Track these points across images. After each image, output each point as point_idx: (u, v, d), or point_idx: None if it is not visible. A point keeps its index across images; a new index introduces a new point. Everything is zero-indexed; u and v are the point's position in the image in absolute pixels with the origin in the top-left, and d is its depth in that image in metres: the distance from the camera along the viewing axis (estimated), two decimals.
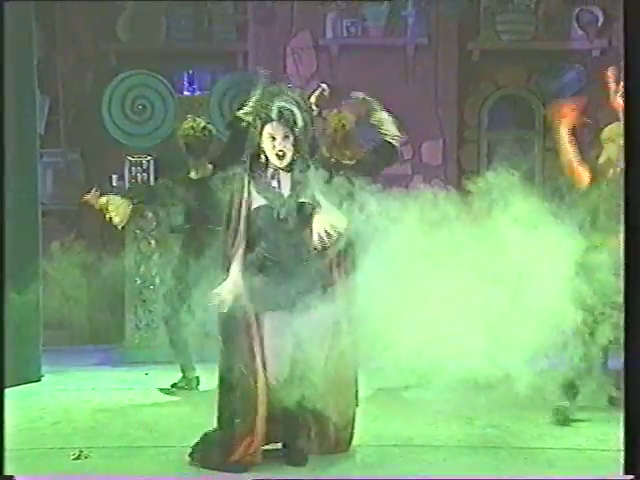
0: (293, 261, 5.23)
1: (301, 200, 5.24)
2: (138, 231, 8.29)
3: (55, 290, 8.29)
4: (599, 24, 9.08)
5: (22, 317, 7.43)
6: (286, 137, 5.23)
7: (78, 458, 5.57)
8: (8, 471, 5.32)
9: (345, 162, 6.46)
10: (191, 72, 9.31)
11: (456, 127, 9.06)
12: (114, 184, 8.63)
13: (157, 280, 8.24)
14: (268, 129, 5.24)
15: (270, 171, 5.29)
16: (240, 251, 5.24)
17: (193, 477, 5.04)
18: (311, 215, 5.22)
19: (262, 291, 5.20)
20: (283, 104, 5.25)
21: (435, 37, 9.02)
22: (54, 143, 9.07)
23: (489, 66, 9.11)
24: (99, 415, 6.44)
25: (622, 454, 4.47)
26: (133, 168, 8.25)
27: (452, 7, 8.99)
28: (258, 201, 5.26)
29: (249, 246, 5.24)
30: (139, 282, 8.33)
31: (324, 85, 6.57)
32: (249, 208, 5.27)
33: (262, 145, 5.23)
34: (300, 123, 5.26)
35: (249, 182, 5.27)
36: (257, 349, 5.18)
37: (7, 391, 6.97)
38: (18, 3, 7.38)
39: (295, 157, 5.25)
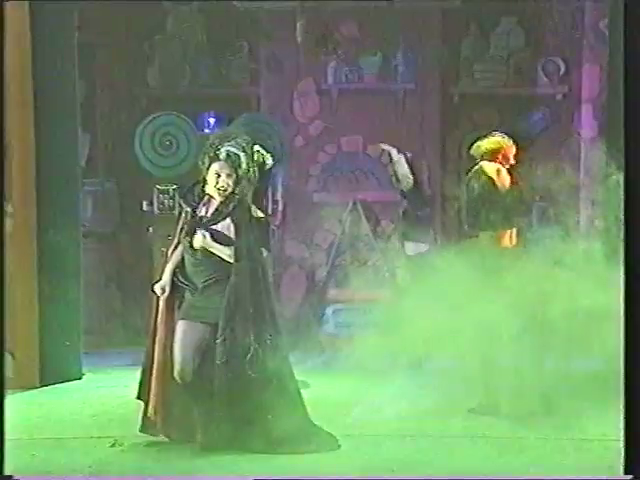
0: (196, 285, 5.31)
1: (215, 228, 5.25)
2: (165, 249, 8.16)
3: (94, 301, 8.25)
4: (561, 72, 9.11)
5: (65, 324, 7.44)
6: (229, 175, 5.24)
7: (113, 446, 5.60)
8: (58, 454, 5.38)
9: None
10: (211, 113, 9.22)
11: (439, 160, 9.06)
12: (144, 209, 8.62)
13: None
14: (215, 167, 5.24)
15: (204, 200, 5.35)
16: (170, 266, 5.44)
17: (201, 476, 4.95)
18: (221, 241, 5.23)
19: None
20: (230, 148, 5.27)
21: (421, 83, 9.03)
22: (93, 174, 9.07)
23: (467, 108, 9.12)
24: (131, 409, 6.25)
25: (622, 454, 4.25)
26: (160, 195, 8.30)
27: (436, 57, 8.93)
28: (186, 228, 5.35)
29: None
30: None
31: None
32: (182, 231, 5.38)
33: (206, 179, 5.26)
34: (244, 166, 5.27)
35: (186, 209, 5.39)
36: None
37: (53, 387, 7.15)
38: (63, 53, 7.35)
39: (234, 195, 5.26)
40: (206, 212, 5.33)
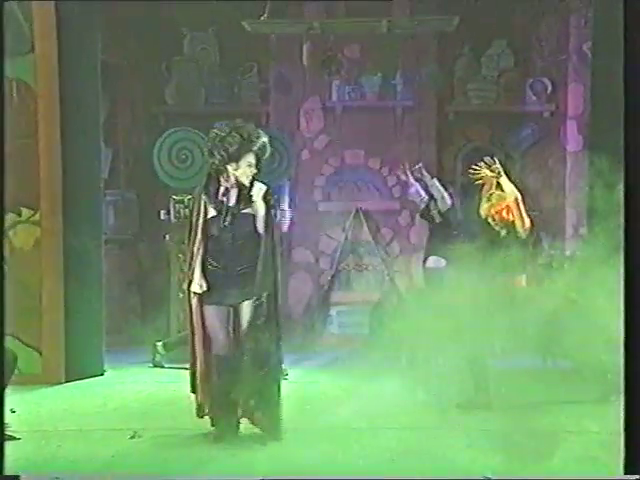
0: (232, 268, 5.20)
1: (242, 211, 5.18)
2: (181, 255, 8.19)
3: (115, 303, 8.25)
4: (548, 91, 9.08)
5: (88, 324, 7.42)
6: (256, 165, 5.19)
7: (133, 437, 5.54)
8: (80, 447, 5.33)
9: None
10: None
11: (435, 172, 9.00)
12: (162, 218, 8.62)
13: None
14: (250, 158, 5.16)
15: (222, 189, 5.22)
16: (199, 256, 5.24)
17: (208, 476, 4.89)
18: (252, 224, 5.16)
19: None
20: (264, 140, 5.21)
21: (418, 101, 9.00)
22: (115, 185, 9.05)
23: (461, 124, 9.09)
24: (150, 403, 6.42)
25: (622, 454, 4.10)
26: (177, 205, 8.24)
27: (432, 77, 8.92)
28: (211, 212, 5.21)
29: (205, 250, 5.23)
30: (182, 296, 8.18)
31: None
32: (205, 219, 5.22)
33: (229, 168, 5.13)
34: (267, 154, 5.24)
35: (205, 199, 5.22)
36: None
37: (77, 383, 7.15)
38: (87, 73, 7.37)
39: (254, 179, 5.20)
40: (228, 201, 5.21)
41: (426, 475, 4.75)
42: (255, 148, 5.17)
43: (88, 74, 7.36)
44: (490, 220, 6.22)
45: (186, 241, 5.42)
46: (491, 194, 6.22)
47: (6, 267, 6.60)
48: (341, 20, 8.77)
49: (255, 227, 5.20)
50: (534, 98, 9.03)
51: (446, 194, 7.59)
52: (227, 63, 9.34)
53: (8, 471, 4.87)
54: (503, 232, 6.16)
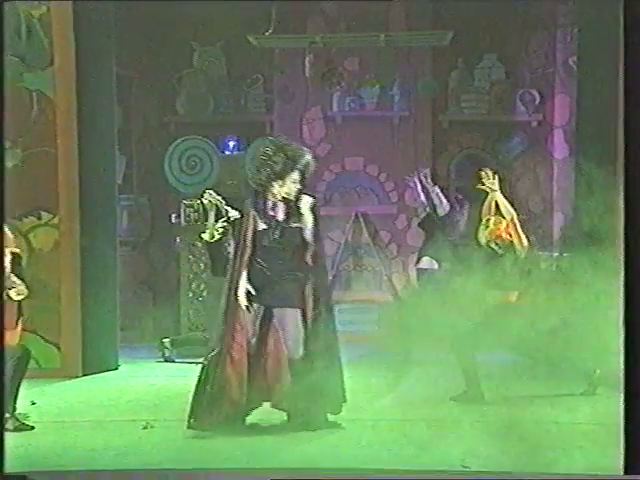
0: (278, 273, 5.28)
1: (292, 225, 5.27)
2: (191, 256, 8.22)
3: (128, 301, 8.26)
4: (536, 102, 9.05)
5: (103, 321, 7.42)
6: (301, 181, 5.28)
7: (145, 428, 5.56)
8: (98, 436, 5.35)
9: None
10: (231, 137, 9.22)
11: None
12: (173, 222, 8.63)
13: (204, 293, 8.15)
14: (294, 175, 5.23)
15: (270, 204, 5.29)
16: (245, 264, 5.28)
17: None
18: (300, 235, 5.26)
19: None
20: (308, 159, 5.30)
21: (414, 111, 8.99)
22: (128, 190, 9.03)
23: (455, 133, 9.07)
24: (162, 396, 6.43)
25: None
26: (187, 209, 8.21)
27: (427, 88, 8.94)
28: (261, 226, 5.27)
29: (251, 260, 5.29)
30: (191, 295, 8.23)
31: None
32: (254, 231, 5.28)
33: (275, 185, 5.24)
34: (311, 171, 5.34)
35: (254, 214, 5.31)
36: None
37: (93, 377, 7.17)
38: (103, 84, 7.40)
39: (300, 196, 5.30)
40: (276, 215, 5.30)
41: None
42: (299, 166, 5.26)
43: (104, 86, 7.38)
44: (492, 245, 6.19)
45: (233, 251, 5.47)
46: (488, 220, 6.20)
47: (25, 267, 6.68)
48: (341, 35, 8.78)
49: (303, 238, 5.30)
50: (523, 108, 9.01)
51: (445, 201, 7.63)
52: (234, 75, 9.32)
53: (29, 460, 4.90)
54: (500, 251, 6.15)
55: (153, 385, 6.96)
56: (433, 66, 8.96)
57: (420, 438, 5.17)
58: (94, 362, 7.29)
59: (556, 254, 7.82)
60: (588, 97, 7.37)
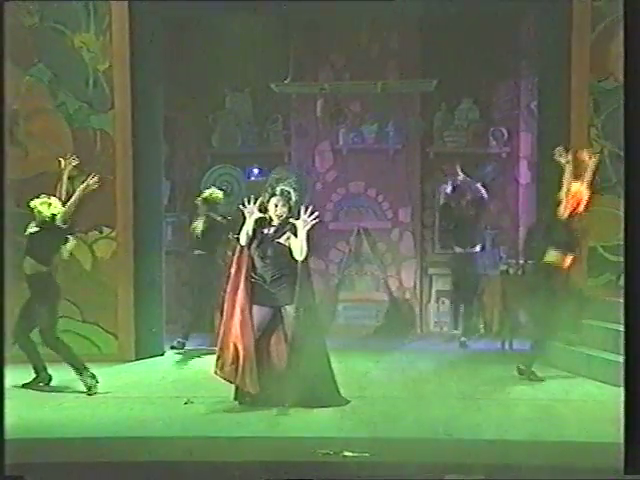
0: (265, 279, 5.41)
1: (278, 241, 5.39)
2: (221, 262, 8.20)
3: (172, 299, 8.27)
4: (505, 138, 8.98)
5: (152, 316, 7.43)
6: (283, 206, 5.41)
7: (186, 403, 5.57)
8: (148, 409, 5.36)
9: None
10: (255, 166, 9.25)
11: (420, 199, 9.04)
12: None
13: None
14: (274, 200, 5.38)
15: (266, 222, 5.47)
16: (244, 274, 5.43)
17: None
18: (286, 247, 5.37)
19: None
20: (282, 187, 5.46)
21: (406, 144, 8.93)
22: (172, 209, 9.02)
23: (439, 163, 8.97)
24: (200, 376, 6.41)
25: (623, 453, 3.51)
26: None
27: (416, 126, 8.94)
28: (256, 241, 5.44)
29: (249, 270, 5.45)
30: (223, 294, 8.19)
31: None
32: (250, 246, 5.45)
33: (268, 208, 5.43)
34: (294, 198, 5.44)
35: (254, 231, 5.45)
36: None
37: (144, 361, 7.14)
38: (153, 122, 7.40)
39: (287, 217, 5.41)
40: (268, 231, 5.46)
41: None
42: (277, 193, 5.44)
43: (153, 125, 7.40)
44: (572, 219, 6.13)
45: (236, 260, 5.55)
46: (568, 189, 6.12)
47: (90, 271, 6.69)
48: (346, 83, 8.81)
49: (290, 252, 5.39)
50: (494, 143, 8.99)
51: (482, 189, 7.91)
52: (258, 115, 9.31)
53: (102, 425, 4.92)
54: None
55: (193, 367, 6.98)
56: (421, 108, 8.92)
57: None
58: (144, 349, 7.29)
59: (521, 261, 7.87)
60: (546, 134, 7.44)
